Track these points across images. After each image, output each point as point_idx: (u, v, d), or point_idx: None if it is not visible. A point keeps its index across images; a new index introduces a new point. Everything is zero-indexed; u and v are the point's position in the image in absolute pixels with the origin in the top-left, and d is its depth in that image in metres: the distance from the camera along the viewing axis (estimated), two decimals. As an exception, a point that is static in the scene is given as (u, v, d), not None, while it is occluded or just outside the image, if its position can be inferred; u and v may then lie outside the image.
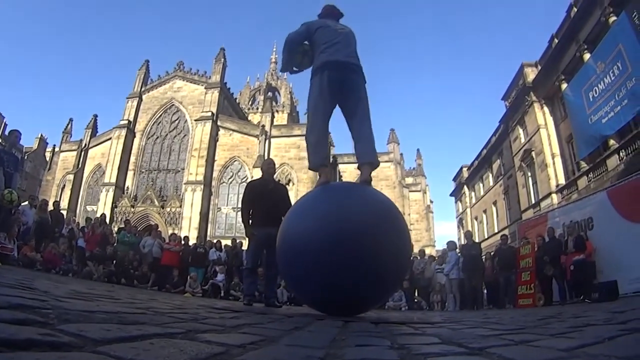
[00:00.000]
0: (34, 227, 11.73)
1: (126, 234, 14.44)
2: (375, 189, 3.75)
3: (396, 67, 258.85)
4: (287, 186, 6.95)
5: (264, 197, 6.10)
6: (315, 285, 2.85)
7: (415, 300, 13.75)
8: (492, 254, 13.93)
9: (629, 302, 8.10)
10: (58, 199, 40.78)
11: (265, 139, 38.97)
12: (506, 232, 34.35)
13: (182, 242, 15.20)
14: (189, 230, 35.53)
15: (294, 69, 4.27)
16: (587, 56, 21.03)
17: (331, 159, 42.47)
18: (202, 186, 37.67)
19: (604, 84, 19.13)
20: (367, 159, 3.66)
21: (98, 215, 34.28)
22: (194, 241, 29.48)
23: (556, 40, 24.38)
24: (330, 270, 2.69)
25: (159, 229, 18.19)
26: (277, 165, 31.90)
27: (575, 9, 21.85)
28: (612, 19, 18.66)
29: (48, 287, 2.98)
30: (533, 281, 11.33)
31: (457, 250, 13.34)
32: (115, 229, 19.05)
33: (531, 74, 27.61)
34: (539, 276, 11.39)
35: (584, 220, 12.25)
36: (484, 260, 13.55)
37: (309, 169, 3.85)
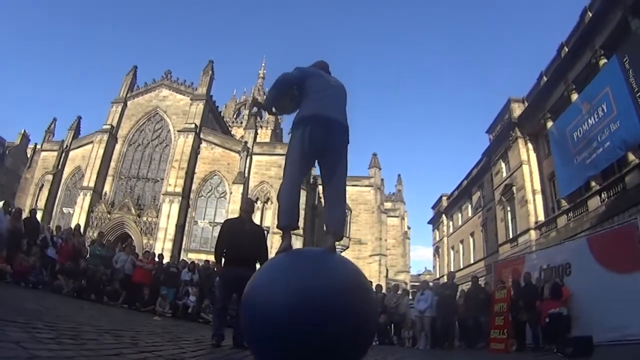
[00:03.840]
0: (7, 235, 11.35)
1: (97, 247, 14.03)
2: (341, 256, 3.57)
3: (383, 91, 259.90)
4: (264, 231, 6.81)
5: (239, 237, 6.04)
6: (277, 356, 2.70)
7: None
8: (464, 292, 13.93)
9: (604, 355, 8.12)
10: (35, 199, 40.62)
11: (247, 156, 38.81)
12: (482, 264, 34.63)
13: (156, 259, 14.88)
14: (164, 241, 35.20)
15: (274, 110, 4.12)
16: (574, 96, 21.34)
17: (311, 180, 42.58)
18: (180, 198, 37.27)
19: (587, 124, 19.38)
20: (333, 230, 3.50)
21: (74, 220, 33.92)
22: (168, 254, 29.16)
23: (545, 78, 24.74)
24: (293, 343, 2.58)
25: (133, 244, 17.83)
26: (257, 183, 32.15)
27: (566, 49, 22.18)
28: (603, 61, 18.97)
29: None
30: (506, 326, 11.22)
31: (431, 289, 13.35)
32: (91, 234, 18.63)
33: (517, 109, 27.92)
34: (513, 320, 11.34)
35: (561, 265, 12.24)
36: (457, 298, 13.57)
37: (278, 227, 3.60)
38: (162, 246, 34.63)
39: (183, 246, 36.73)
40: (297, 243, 36.19)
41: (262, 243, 6.50)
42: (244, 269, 5.78)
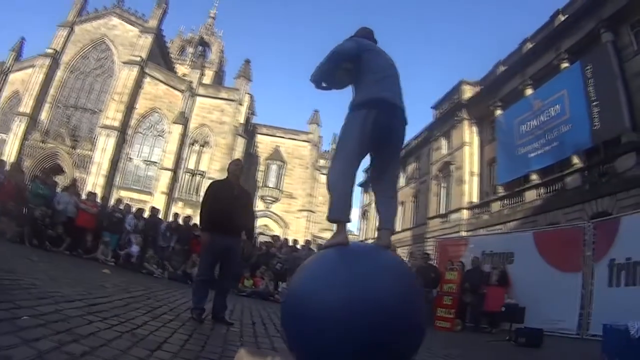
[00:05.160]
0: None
1: (40, 185, 12.75)
2: (394, 253, 3.31)
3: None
4: (246, 192, 6.15)
5: (229, 203, 5.41)
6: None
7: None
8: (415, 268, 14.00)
9: (550, 346, 8.44)
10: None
11: (191, 96, 37.50)
12: (409, 233, 35.56)
13: (99, 202, 13.85)
14: (96, 176, 33.87)
15: (324, 85, 3.59)
16: (529, 91, 21.76)
17: (250, 128, 41.69)
18: (117, 132, 35.64)
19: (538, 121, 19.89)
20: (390, 226, 3.16)
21: (7, 148, 31.58)
22: (100, 190, 27.83)
23: (502, 68, 25.03)
24: (355, 348, 2.32)
25: (76, 183, 16.59)
26: (197, 125, 31.03)
27: (529, 45, 22.42)
28: (565, 65, 19.36)
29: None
30: (454, 307, 11.40)
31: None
32: (26, 166, 17.12)
33: (468, 92, 28.18)
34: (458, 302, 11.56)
35: (505, 253, 12.54)
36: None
37: (330, 219, 3.05)
38: (95, 181, 33.27)
39: (115, 183, 35.33)
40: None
41: (250, 210, 6.00)
42: (232, 239, 5.41)
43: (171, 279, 11.85)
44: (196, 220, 18.95)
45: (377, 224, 3.24)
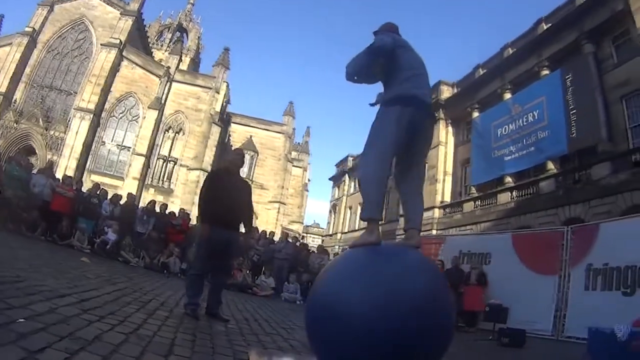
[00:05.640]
0: None
1: (15, 167, 12.15)
2: (421, 253, 3.15)
3: (320, 46, 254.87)
4: (246, 183, 5.81)
5: (231, 194, 5.17)
6: None
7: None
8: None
9: (532, 347, 8.49)
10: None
11: (167, 82, 36.82)
12: (380, 229, 35.54)
13: (74, 186, 13.29)
14: (69, 159, 32.93)
15: (355, 78, 3.41)
16: (507, 95, 21.95)
17: (225, 117, 41.22)
18: (91, 115, 34.60)
19: (515, 125, 20.12)
20: (418, 225, 3.08)
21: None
22: (71, 174, 26.99)
23: (481, 71, 25.17)
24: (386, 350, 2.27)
25: (53, 166, 15.95)
26: (173, 112, 30.47)
27: (510, 50, 22.64)
28: (545, 72, 19.63)
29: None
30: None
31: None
32: None
33: (446, 92, 28.17)
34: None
35: (482, 253, 12.59)
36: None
37: (363, 218, 2.95)
38: (67, 164, 32.38)
39: (87, 167, 34.55)
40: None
41: (250, 202, 5.68)
42: (231, 233, 5.19)
43: (147, 268, 11.53)
44: (173, 208, 18.74)
45: (402, 223, 3.23)
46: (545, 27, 20.15)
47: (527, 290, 10.40)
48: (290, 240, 15.33)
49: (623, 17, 16.10)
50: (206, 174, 36.44)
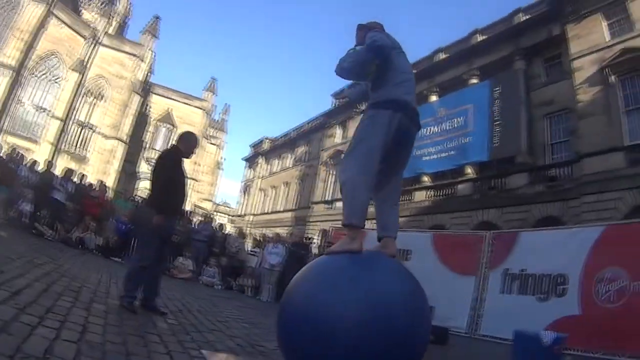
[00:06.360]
0: None
1: None
2: (400, 262, 3.10)
3: (254, 27, 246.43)
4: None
5: (182, 181, 4.89)
6: None
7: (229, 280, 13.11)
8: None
9: (453, 345, 8.59)
10: None
11: (94, 44, 34.66)
12: (290, 214, 35.71)
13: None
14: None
15: (350, 74, 3.23)
16: (433, 97, 22.74)
17: (147, 87, 39.45)
18: (11, 72, 31.84)
19: (439, 128, 20.83)
20: (395, 234, 3.03)
21: None
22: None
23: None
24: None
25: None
26: (94, 76, 28.80)
27: (441, 55, 23.29)
28: (473, 80, 20.48)
29: None
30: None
31: (284, 244, 13.06)
32: None
33: (371, 87, 28.58)
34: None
35: (402, 249, 12.86)
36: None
37: (346, 224, 2.74)
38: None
39: (1, 126, 31.93)
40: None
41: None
42: (174, 221, 4.97)
43: (64, 242, 10.64)
44: (91, 179, 17.42)
45: (377, 231, 3.01)
46: (480, 39, 20.99)
47: (445, 289, 10.64)
48: (213, 225, 14.91)
49: (558, 42, 17.12)
50: (122, 143, 35.34)
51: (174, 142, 5.20)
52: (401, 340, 2.23)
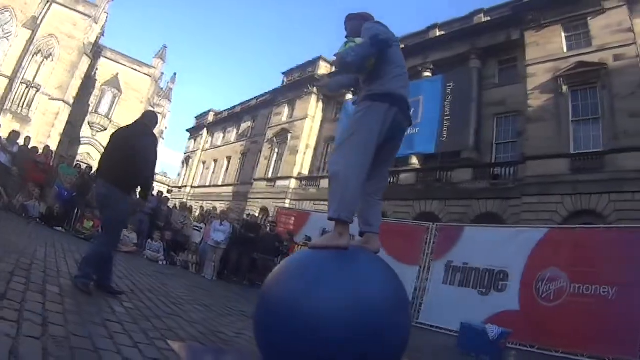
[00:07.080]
0: None
1: None
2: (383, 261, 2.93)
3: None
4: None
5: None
6: None
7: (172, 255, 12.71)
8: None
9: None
10: None
11: (48, 1, 32.43)
12: (231, 189, 35.22)
13: None
14: None
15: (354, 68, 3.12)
16: (384, 86, 22.59)
17: (97, 49, 37.55)
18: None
19: (387, 116, 21.02)
20: (378, 230, 2.95)
21: None
22: None
23: (364, 57, 25.60)
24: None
25: None
26: (46, 35, 27.05)
27: (401, 46, 23.13)
28: (427, 73, 20.77)
29: None
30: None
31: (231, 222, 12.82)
32: None
33: (324, 68, 28.58)
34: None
35: (345, 235, 13.00)
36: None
37: (333, 218, 2.61)
38: None
39: None
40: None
41: None
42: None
43: (6, 209, 10.05)
44: (34, 142, 16.24)
45: (359, 225, 2.92)
46: (438, 34, 21.25)
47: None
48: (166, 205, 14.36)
49: (515, 46, 17.68)
50: (67, 106, 33.39)
51: (142, 120, 4.72)
52: (383, 336, 2.20)
